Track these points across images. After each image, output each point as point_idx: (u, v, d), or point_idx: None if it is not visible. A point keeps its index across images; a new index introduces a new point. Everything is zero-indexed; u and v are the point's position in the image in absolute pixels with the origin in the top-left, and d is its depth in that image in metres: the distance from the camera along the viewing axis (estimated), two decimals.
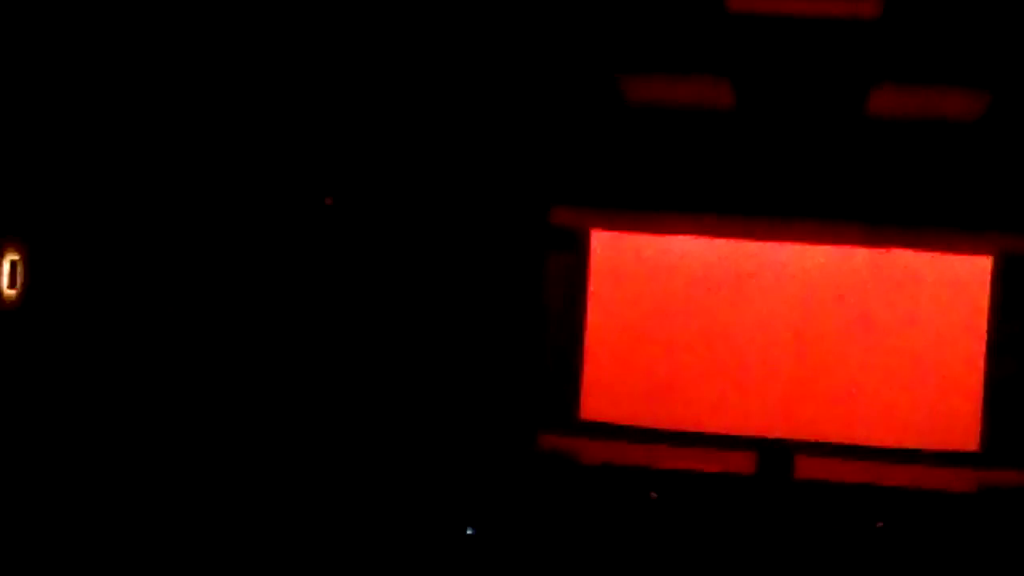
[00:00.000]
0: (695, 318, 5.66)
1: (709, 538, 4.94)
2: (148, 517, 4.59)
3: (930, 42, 4.56)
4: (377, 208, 5.71)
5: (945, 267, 5.55)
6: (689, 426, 5.59)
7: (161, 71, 5.14)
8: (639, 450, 5.54)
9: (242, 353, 5.52)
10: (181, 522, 4.58)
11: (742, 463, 5.34)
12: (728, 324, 5.64)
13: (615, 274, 5.73)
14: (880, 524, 5.06)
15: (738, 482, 5.28)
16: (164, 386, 5.31)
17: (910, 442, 5.50)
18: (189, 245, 5.44)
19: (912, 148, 5.48)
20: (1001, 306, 5.48)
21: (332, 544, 4.56)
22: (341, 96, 5.44)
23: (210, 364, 5.44)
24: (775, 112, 5.35)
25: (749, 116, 5.42)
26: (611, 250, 5.74)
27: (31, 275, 4.84)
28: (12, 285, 4.74)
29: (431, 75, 5.28)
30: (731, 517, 5.13)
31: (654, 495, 5.06)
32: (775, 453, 5.38)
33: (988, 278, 5.51)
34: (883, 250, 5.53)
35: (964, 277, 5.54)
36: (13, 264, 4.75)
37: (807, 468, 5.39)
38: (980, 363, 5.48)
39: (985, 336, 5.49)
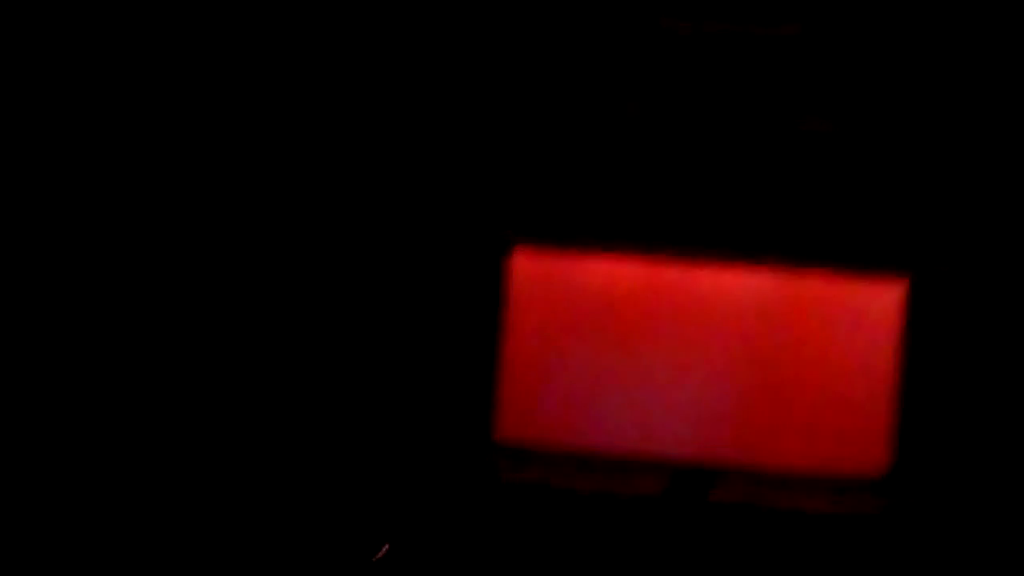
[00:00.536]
0: (614, 340, 5.69)
1: (616, 559, 4.99)
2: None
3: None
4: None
5: (860, 292, 5.64)
6: (606, 448, 5.58)
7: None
8: (558, 472, 5.53)
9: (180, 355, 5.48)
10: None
11: (655, 485, 5.42)
12: (647, 346, 5.68)
13: (534, 294, 5.74)
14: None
15: (649, 504, 5.33)
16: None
17: (820, 465, 5.56)
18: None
19: (829, 173, 5.60)
20: (911, 330, 5.56)
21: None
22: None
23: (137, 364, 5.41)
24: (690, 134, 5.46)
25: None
26: (531, 269, 5.74)
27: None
28: None
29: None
30: (641, 539, 5.18)
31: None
32: (688, 476, 5.44)
33: (901, 303, 5.61)
34: (799, 275, 5.62)
35: (877, 302, 5.63)
36: None
37: (722, 491, 5.50)
38: (890, 387, 5.58)
39: (896, 361, 5.59)
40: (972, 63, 5.44)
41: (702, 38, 4.86)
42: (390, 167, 5.61)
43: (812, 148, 5.54)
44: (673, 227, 5.64)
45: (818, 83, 4.89)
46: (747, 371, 5.64)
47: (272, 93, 5.46)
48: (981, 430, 5.47)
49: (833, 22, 4.69)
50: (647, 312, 5.68)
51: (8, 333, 5.08)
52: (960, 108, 5.48)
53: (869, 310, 5.61)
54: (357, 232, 5.60)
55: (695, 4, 4.92)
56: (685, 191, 5.61)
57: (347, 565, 4.77)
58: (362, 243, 5.59)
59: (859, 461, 5.57)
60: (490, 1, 5.13)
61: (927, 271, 5.54)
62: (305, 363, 5.49)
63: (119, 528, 4.82)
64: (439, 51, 5.38)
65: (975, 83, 5.47)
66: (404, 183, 5.62)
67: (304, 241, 5.55)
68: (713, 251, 5.63)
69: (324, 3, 5.22)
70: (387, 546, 4.66)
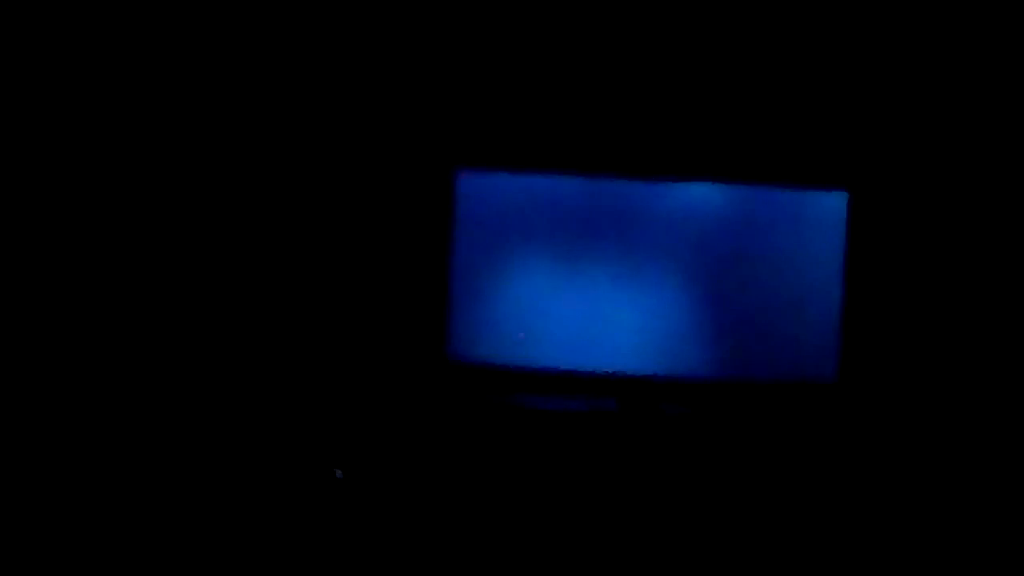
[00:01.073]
0: (561, 257, 5.76)
1: (572, 474, 5.10)
2: None
3: None
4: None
5: (805, 202, 5.72)
6: (555, 363, 5.68)
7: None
8: (509, 388, 5.63)
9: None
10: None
11: (605, 399, 5.54)
12: (595, 262, 5.76)
13: (481, 213, 5.77)
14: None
15: (602, 419, 5.44)
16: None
17: (769, 373, 5.69)
18: None
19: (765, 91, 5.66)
20: (854, 239, 5.67)
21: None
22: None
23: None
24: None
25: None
26: (477, 189, 5.78)
27: None
28: None
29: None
30: (596, 453, 5.28)
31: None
32: (639, 388, 5.54)
33: (844, 213, 5.71)
34: (745, 186, 5.68)
35: (822, 212, 5.72)
36: None
37: (670, 404, 5.61)
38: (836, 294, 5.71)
39: (841, 269, 5.71)
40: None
41: None
42: (357, 107, 5.64)
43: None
44: (618, 148, 5.69)
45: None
46: (695, 284, 5.74)
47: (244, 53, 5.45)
48: (921, 336, 5.60)
49: None
50: (597, 227, 5.76)
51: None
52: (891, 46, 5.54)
53: (816, 220, 5.72)
54: (323, 163, 5.63)
55: None
56: (630, 115, 5.65)
57: (306, 483, 4.86)
58: (325, 173, 5.63)
59: (807, 367, 5.71)
60: None
61: (865, 185, 5.65)
62: (268, 284, 5.54)
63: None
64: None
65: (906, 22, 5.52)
66: (368, 120, 5.64)
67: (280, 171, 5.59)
68: (656, 171, 5.68)
69: None
70: (339, 472, 4.77)
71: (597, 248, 5.72)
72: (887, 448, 5.42)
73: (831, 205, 5.69)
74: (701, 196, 5.71)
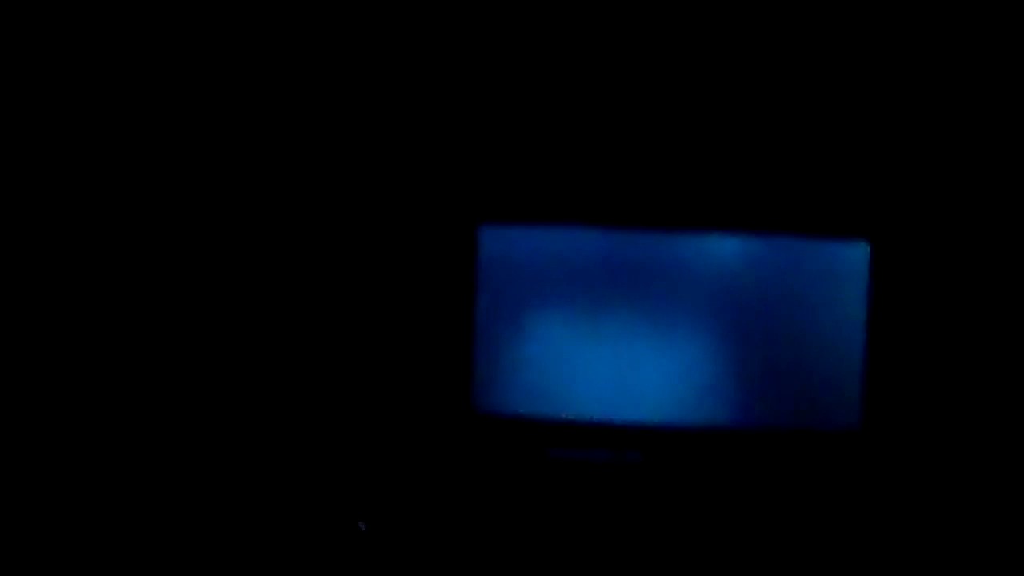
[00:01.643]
0: (584, 309, 5.79)
1: (596, 525, 5.12)
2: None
3: None
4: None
5: (828, 252, 5.73)
6: (578, 415, 5.66)
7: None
8: (535, 441, 5.62)
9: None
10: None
11: (631, 452, 5.55)
12: (617, 313, 5.76)
13: (504, 267, 5.82)
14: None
15: (626, 470, 5.46)
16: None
17: (793, 423, 5.68)
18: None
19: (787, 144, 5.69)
20: (876, 290, 5.68)
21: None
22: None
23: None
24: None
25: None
26: (500, 243, 5.83)
27: None
28: None
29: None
30: (619, 504, 5.30)
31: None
32: (663, 439, 5.55)
33: (866, 262, 5.72)
34: (768, 237, 5.71)
35: (845, 262, 5.73)
36: None
37: (694, 454, 5.62)
38: (859, 345, 5.70)
39: (864, 318, 5.70)
40: (928, 46, 5.50)
41: None
42: (379, 162, 5.70)
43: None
44: (640, 200, 5.73)
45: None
46: (718, 334, 5.76)
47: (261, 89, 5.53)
48: (945, 385, 5.59)
49: None
50: (620, 279, 5.79)
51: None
52: (913, 96, 5.56)
53: (838, 271, 5.73)
54: (344, 218, 5.68)
55: None
56: (651, 167, 5.70)
57: (332, 536, 4.90)
58: (348, 227, 5.68)
59: (830, 417, 5.70)
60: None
61: (887, 236, 5.66)
62: (289, 339, 5.59)
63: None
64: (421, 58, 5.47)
65: (928, 70, 5.54)
66: (388, 174, 5.71)
67: (297, 222, 5.64)
68: (678, 222, 5.72)
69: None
70: (363, 524, 4.81)
71: (620, 299, 5.76)
72: (911, 496, 5.41)
73: (853, 255, 5.70)
74: (723, 247, 5.75)
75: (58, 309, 5.30)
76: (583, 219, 5.74)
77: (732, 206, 5.70)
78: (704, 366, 5.74)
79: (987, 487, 5.40)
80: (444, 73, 5.62)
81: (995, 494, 5.36)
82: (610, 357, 5.75)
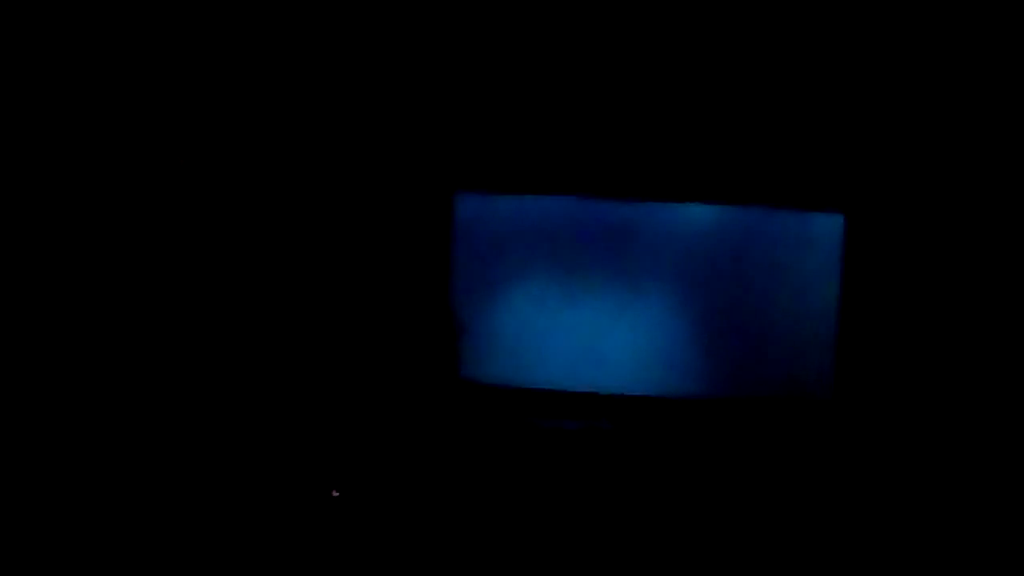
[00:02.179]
0: (559, 278, 5.82)
1: (574, 489, 5.16)
2: None
3: None
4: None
5: (802, 224, 5.78)
6: (553, 384, 5.75)
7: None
8: (514, 407, 5.71)
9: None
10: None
11: (607, 418, 5.63)
12: (592, 282, 5.80)
13: (479, 234, 5.84)
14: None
15: (598, 437, 5.52)
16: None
17: (768, 390, 5.77)
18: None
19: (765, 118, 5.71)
20: (850, 262, 5.73)
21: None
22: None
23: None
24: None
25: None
26: (475, 212, 5.85)
27: None
28: None
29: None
30: (592, 472, 5.35)
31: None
32: (634, 407, 5.60)
33: (840, 234, 5.76)
34: (743, 208, 5.73)
35: (819, 234, 5.77)
36: None
37: (666, 423, 5.68)
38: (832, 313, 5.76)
39: (837, 289, 5.76)
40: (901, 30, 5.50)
41: None
42: (357, 134, 5.70)
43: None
44: (617, 170, 5.74)
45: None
46: (692, 303, 5.80)
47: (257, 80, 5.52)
48: (915, 353, 5.65)
49: None
50: (595, 247, 5.82)
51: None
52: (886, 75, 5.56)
53: (813, 241, 5.77)
54: (323, 189, 5.69)
55: None
56: (629, 138, 5.70)
57: (314, 504, 4.95)
58: (327, 198, 5.69)
59: (803, 386, 5.77)
60: None
61: (861, 209, 5.69)
62: (270, 308, 5.62)
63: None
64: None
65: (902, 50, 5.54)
66: (366, 146, 5.71)
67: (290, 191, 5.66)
68: (655, 194, 5.73)
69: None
70: (336, 492, 4.86)
71: (595, 269, 5.79)
72: (881, 461, 5.48)
73: (827, 227, 5.73)
74: (699, 217, 5.77)
75: (51, 301, 5.33)
76: (559, 189, 5.75)
77: (709, 178, 5.71)
78: (678, 335, 5.78)
79: (956, 454, 5.48)
80: (422, 46, 5.59)
81: (963, 460, 5.44)
82: (584, 326, 5.78)
